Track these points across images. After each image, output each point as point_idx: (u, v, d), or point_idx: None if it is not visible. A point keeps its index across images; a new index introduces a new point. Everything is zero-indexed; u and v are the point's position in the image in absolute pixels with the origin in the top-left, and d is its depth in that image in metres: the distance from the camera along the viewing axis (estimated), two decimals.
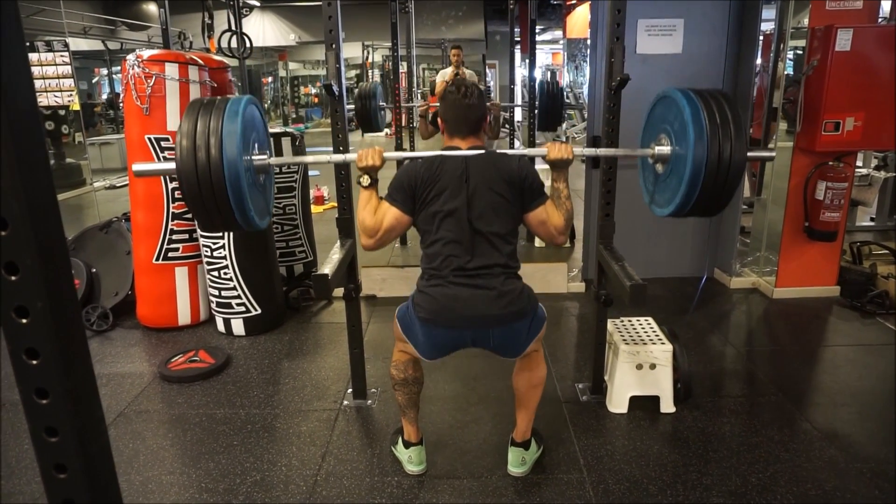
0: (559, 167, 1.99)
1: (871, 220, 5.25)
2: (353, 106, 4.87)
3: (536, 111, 4.82)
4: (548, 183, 2.04)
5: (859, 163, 4.55)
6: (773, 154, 2.01)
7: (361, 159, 1.97)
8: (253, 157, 2.00)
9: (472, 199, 1.87)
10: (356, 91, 5.06)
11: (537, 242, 4.88)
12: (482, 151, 1.93)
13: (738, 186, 1.91)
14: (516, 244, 1.97)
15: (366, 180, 1.98)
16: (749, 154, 1.86)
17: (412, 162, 1.97)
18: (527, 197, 1.92)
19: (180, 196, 3.37)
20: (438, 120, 2.03)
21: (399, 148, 5.22)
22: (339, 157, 2.18)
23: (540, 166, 3.87)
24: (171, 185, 3.35)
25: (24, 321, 0.57)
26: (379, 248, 1.98)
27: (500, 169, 1.90)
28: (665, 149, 2.02)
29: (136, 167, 2.07)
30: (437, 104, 2.07)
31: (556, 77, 12.88)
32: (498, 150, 1.97)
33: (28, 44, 5.44)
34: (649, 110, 2.17)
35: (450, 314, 1.89)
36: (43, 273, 0.56)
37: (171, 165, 1.87)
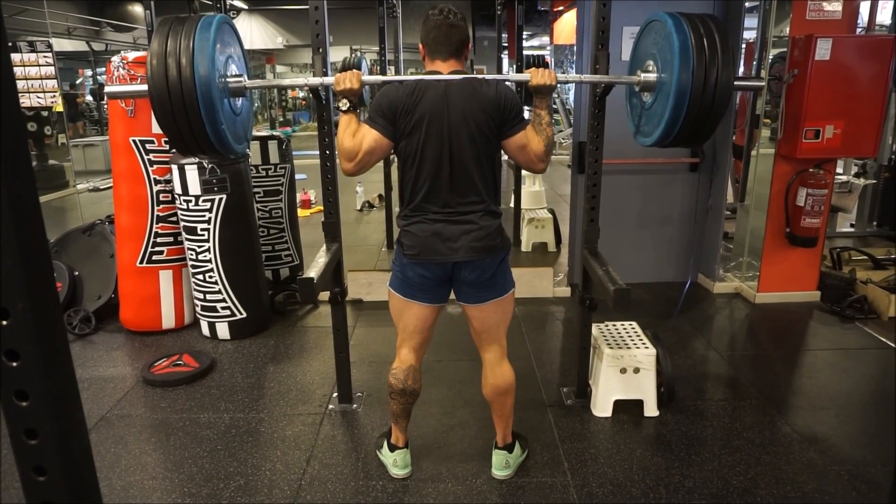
0: (542, 93, 1.93)
1: (851, 226, 5.34)
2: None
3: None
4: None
5: (839, 170, 4.63)
6: (763, 84, 2.03)
7: (339, 83, 1.92)
8: (228, 79, 1.97)
9: (452, 133, 1.84)
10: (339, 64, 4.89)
11: (524, 247, 4.89)
12: (462, 77, 1.88)
13: (723, 114, 1.90)
14: (496, 179, 1.95)
15: (344, 104, 1.92)
16: (736, 83, 1.86)
17: (391, 85, 1.92)
18: (506, 123, 1.88)
19: (165, 199, 3.36)
20: (419, 45, 1.96)
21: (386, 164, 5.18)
22: (316, 81, 2.16)
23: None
24: (155, 188, 3.33)
25: (5, 322, 0.57)
26: (358, 173, 1.91)
27: (479, 98, 1.84)
28: (651, 75, 2.05)
29: (109, 89, 2.34)
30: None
31: None
32: (478, 76, 1.90)
33: (10, 44, 5.38)
34: (637, 37, 2.17)
35: (432, 249, 1.90)
36: (24, 274, 0.56)
37: (144, 87, 1.85)
